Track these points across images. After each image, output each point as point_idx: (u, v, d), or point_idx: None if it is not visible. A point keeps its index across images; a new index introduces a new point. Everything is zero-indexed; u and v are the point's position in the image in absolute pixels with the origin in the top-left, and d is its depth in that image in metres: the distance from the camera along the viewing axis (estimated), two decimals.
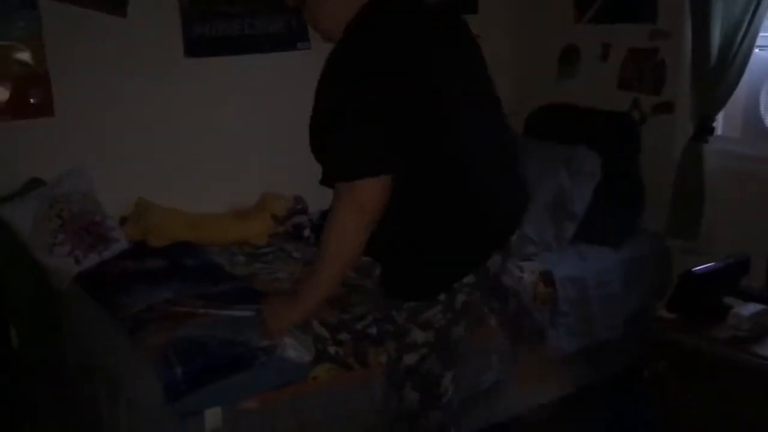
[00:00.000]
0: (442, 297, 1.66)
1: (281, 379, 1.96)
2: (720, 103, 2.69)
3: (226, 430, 1.91)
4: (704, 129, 2.72)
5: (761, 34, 2.60)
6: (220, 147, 2.96)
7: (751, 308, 2.07)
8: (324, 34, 1.77)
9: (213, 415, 1.87)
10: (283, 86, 3.06)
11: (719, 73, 2.63)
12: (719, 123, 2.80)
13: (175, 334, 1.94)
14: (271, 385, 1.95)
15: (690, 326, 2.15)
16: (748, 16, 2.53)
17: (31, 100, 2.55)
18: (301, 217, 2.91)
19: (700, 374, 2.12)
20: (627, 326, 2.67)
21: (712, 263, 2.23)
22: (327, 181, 1.66)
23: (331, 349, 2.05)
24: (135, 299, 2.18)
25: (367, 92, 1.54)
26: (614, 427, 2.57)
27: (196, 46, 2.84)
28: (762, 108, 2.74)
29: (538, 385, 2.56)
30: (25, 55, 2.52)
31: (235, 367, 1.89)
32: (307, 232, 2.86)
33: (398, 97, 1.54)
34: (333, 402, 2.05)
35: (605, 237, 2.70)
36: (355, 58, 1.59)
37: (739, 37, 2.56)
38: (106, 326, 2.18)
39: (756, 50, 2.63)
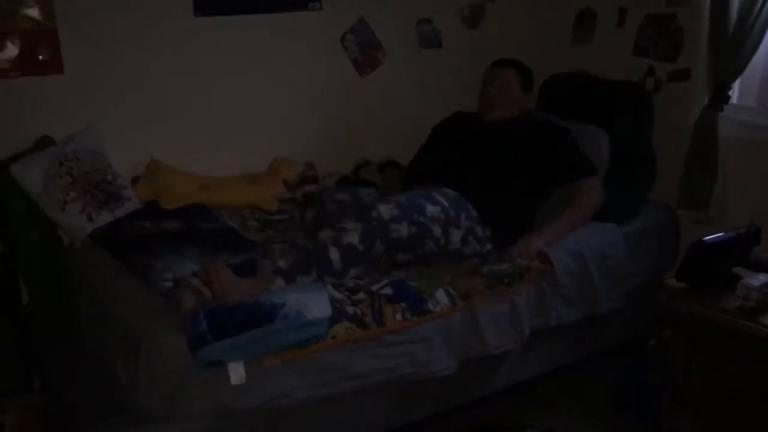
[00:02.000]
0: None
1: (302, 336, 1.99)
2: (737, 72, 2.65)
3: (250, 388, 1.93)
4: (720, 97, 2.68)
5: None
6: (230, 108, 2.95)
7: (761, 279, 2.06)
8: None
9: (236, 369, 1.90)
10: (294, 47, 3.04)
11: (737, 41, 2.58)
12: (735, 92, 2.77)
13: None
14: (292, 342, 1.97)
15: (699, 296, 2.15)
16: None
17: (40, 57, 2.54)
18: (311, 187, 2.89)
19: (707, 344, 2.12)
20: (633, 297, 2.67)
21: (723, 233, 2.22)
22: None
23: (350, 309, 2.08)
24: (160, 261, 2.21)
25: None
26: (619, 394, 2.59)
27: (205, 5, 2.80)
28: None
29: (541, 354, 2.57)
30: (33, 12, 2.50)
31: (257, 320, 1.93)
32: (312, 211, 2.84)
33: None
34: (351, 361, 2.08)
35: (612, 214, 2.69)
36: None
37: (758, 5, 2.51)
38: (126, 282, 2.21)
39: None
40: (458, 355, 2.25)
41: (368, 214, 2.26)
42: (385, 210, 2.27)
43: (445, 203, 2.38)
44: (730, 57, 2.62)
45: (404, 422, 2.34)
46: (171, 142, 2.81)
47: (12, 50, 2.49)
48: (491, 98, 2.81)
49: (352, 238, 2.20)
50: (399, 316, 2.13)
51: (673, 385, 2.24)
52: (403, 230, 2.25)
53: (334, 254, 2.18)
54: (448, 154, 2.79)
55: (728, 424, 2.11)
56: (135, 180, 2.71)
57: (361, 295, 2.13)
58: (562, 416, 2.55)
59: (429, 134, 2.98)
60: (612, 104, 2.95)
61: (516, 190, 2.60)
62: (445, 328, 2.21)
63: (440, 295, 2.23)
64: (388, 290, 2.17)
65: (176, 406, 1.90)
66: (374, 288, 2.17)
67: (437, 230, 2.31)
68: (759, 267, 2.17)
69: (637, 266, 2.70)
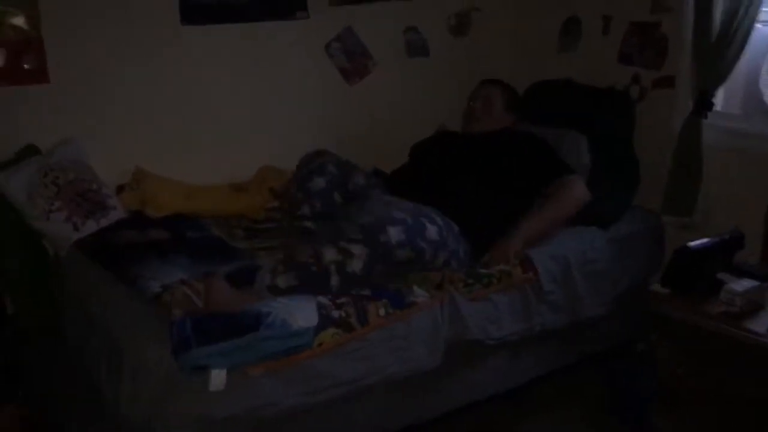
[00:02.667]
0: None
1: (287, 345, 1.98)
2: (720, 79, 2.67)
3: (234, 397, 1.92)
4: (703, 104, 2.70)
5: (763, 8, 2.57)
6: (217, 117, 2.95)
7: (745, 284, 2.07)
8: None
9: (217, 376, 1.89)
10: (281, 56, 3.04)
11: (720, 48, 2.60)
12: (719, 99, 2.78)
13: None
14: (277, 350, 1.97)
15: (683, 301, 2.15)
16: None
17: (26, 66, 2.53)
18: (297, 194, 2.87)
19: (692, 349, 2.13)
20: (620, 303, 2.68)
21: (707, 239, 2.24)
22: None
23: (335, 313, 2.08)
24: (147, 270, 2.20)
25: None
26: (605, 399, 2.59)
27: (192, 14, 2.80)
28: (762, 84, 2.72)
29: (529, 359, 2.57)
30: (19, 20, 2.50)
31: (242, 328, 1.93)
32: (305, 209, 2.83)
33: None
34: (338, 366, 2.08)
35: (595, 219, 2.70)
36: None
37: (741, 12, 2.53)
38: (111, 292, 2.20)
39: (758, 25, 2.60)
40: (442, 346, 2.25)
41: (377, 238, 2.18)
42: (393, 234, 2.19)
43: (440, 222, 2.34)
44: (713, 64, 2.64)
45: (396, 429, 2.33)
46: (157, 150, 2.81)
47: None
48: (473, 112, 2.91)
49: (356, 266, 2.15)
50: (382, 311, 2.15)
51: (662, 389, 2.25)
52: (404, 255, 2.22)
53: (334, 281, 2.15)
54: (428, 168, 2.79)
55: (716, 427, 2.11)
56: (120, 189, 2.70)
57: (343, 299, 2.13)
58: (557, 421, 2.56)
59: (409, 152, 2.98)
60: (593, 111, 2.98)
61: (496, 199, 2.59)
62: (428, 320, 2.22)
63: (417, 290, 2.24)
64: (367, 292, 2.18)
65: (160, 416, 1.89)
66: (354, 291, 2.17)
67: (429, 254, 2.27)
68: (742, 272, 2.18)
69: (622, 272, 2.71)
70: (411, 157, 2.97)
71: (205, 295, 2.03)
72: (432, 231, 2.29)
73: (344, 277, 2.15)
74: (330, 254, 2.16)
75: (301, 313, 2.03)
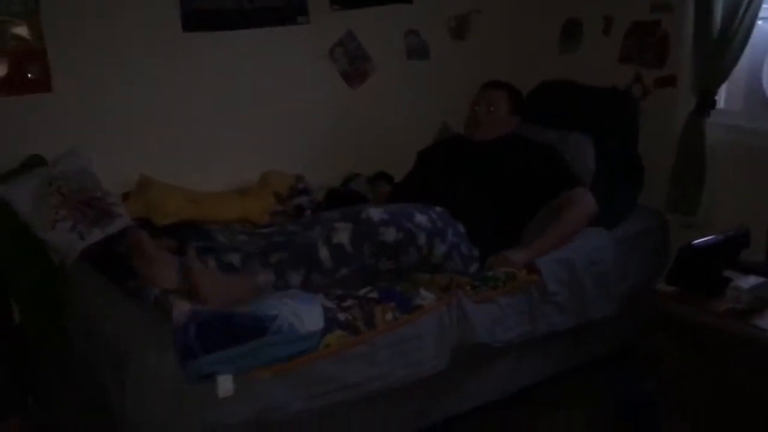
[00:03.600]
0: None
1: (294, 350, 1.98)
2: (722, 77, 2.68)
3: (242, 402, 1.92)
4: (706, 102, 2.71)
5: (765, 5, 2.58)
6: (220, 123, 2.95)
7: (751, 281, 2.07)
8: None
9: (224, 382, 1.89)
10: (283, 61, 3.05)
11: (721, 46, 2.61)
12: (721, 96, 2.79)
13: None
14: (284, 354, 1.97)
15: (689, 299, 2.15)
16: None
17: (29, 76, 2.54)
18: (302, 199, 2.90)
19: (699, 347, 2.12)
20: (625, 303, 2.68)
21: (712, 236, 2.23)
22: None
23: (341, 316, 2.08)
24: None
25: None
26: (612, 401, 2.59)
27: (194, 21, 2.81)
28: (764, 81, 2.72)
29: (535, 361, 2.57)
30: (22, 31, 2.51)
31: (248, 334, 1.92)
32: (308, 214, 2.85)
33: None
34: (344, 369, 2.08)
35: (600, 219, 2.70)
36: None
37: (741, 10, 2.54)
38: (116, 301, 2.20)
39: (759, 23, 2.61)
40: (449, 350, 2.25)
41: (358, 217, 2.28)
42: (374, 213, 2.29)
43: (434, 216, 2.39)
44: (714, 63, 2.64)
45: None
46: (161, 157, 2.81)
47: (1, 70, 2.49)
48: (477, 118, 2.87)
49: (342, 237, 2.22)
50: (389, 316, 2.15)
51: (670, 389, 2.24)
52: (390, 234, 2.26)
53: (323, 253, 2.19)
54: (435, 174, 2.80)
55: (725, 426, 2.11)
56: (125, 196, 2.71)
57: (350, 302, 2.13)
58: (563, 424, 2.56)
59: (415, 160, 2.99)
60: (597, 111, 2.98)
61: (501, 208, 2.60)
62: (434, 323, 2.22)
63: (424, 293, 2.25)
64: (374, 294, 2.19)
65: (167, 423, 1.89)
66: (361, 293, 2.18)
67: (422, 238, 2.32)
68: (749, 269, 2.18)
69: (628, 271, 2.71)
70: (417, 162, 2.98)
71: (197, 288, 2.02)
72: (421, 218, 2.33)
73: (334, 251, 2.19)
74: (315, 231, 2.25)
75: (307, 315, 2.02)
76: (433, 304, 2.23)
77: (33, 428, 2.31)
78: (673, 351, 2.21)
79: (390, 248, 2.28)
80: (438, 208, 2.46)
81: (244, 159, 3.00)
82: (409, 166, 2.99)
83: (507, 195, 2.63)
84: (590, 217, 2.63)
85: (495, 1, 3.47)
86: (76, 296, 2.41)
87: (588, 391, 2.69)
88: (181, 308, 1.93)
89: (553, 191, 2.65)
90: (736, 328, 2.01)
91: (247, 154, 3.01)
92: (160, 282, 2.06)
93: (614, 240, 2.68)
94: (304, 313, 2.03)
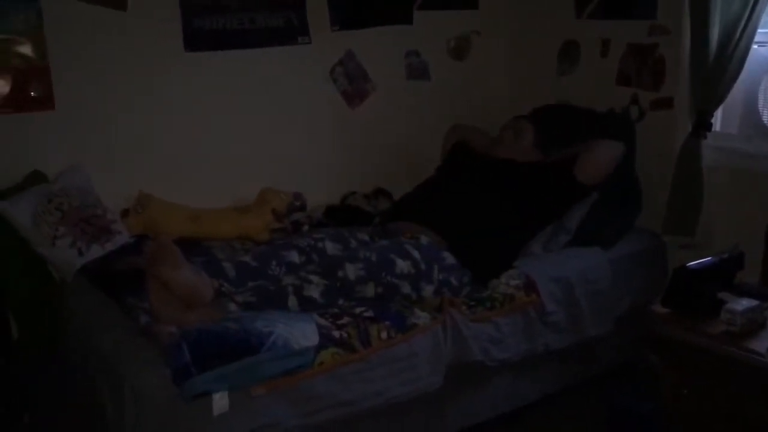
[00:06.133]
0: None
1: (288, 366, 1.99)
2: (718, 99, 2.70)
3: (234, 417, 1.92)
4: (702, 125, 2.72)
5: (760, 30, 2.60)
6: (220, 141, 2.98)
7: (745, 303, 2.07)
8: None
9: (220, 399, 1.89)
10: (283, 81, 3.08)
11: (718, 69, 2.63)
12: (717, 119, 2.81)
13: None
14: (278, 371, 1.97)
15: (684, 321, 2.15)
16: (747, 12, 2.52)
17: (32, 94, 2.58)
18: (299, 215, 2.92)
19: (694, 369, 2.13)
20: (621, 322, 2.68)
21: (707, 258, 2.24)
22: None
23: (335, 333, 2.09)
24: (141, 301, 2.18)
25: None
26: (609, 420, 2.59)
27: (196, 40, 2.85)
28: (760, 104, 2.75)
29: (531, 380, 2.57)
30: (26, 49, 2.54)
31: (242, 351, 1.93)
32: (305, 229, 2.87)
33: None
34: (338, 386, 2.08)
35: (598, 241, 2.71)
36: None
37: (737, 33, 2.56)
38: (113, 318, 2.21)
39: (754, 46, 2.64)
40: (444, 368, 2.25)
41: (334, 273, 2.26)
42: (351, 270, 2.26)
43: (417, 256, 2.37)
44: (711, 86, 2.66)
45: None
46: (161, 175, 2.84)
47: (4, 87, 2.52)
48: (503, 138, 3.03)
49: (313, 291, 2.22)
50: (384, 335, 2.15)
51: (662, 410, 2.24)
52: (369, 291, 2.27)
53: (292, 302, 2.19)
54: (442, 187, 2.83)
55: None
56: (124, 213, 2.73)
57: (345, 319, 2.14)
58: None
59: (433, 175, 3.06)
60: (594, 133, 2.99)
61: (506, 224, 2.62)
62: (429, 342, 2.22)
63: (419, 312, 2.26)
64: (370, 313, 2.19)
65: None
66: (357, 312, 2.19)
67: (406, 287, 2.33)
68: (743, 291, 2.19)
69: (624, 291, 2.72)
70: (437, 174, 3.04)
71: (153, 256, 2.05)
72: (403, 264, 2.32)
73: (302, 300, 2.19)
74: (289, 278, 2.24)
75: (302, 332, 2.03)
76: (428, 323, 2.24)
77: None
78: (667, 372, 2.21)
79: (371, 300, 2.28)
80: (424, 240, 2.44)
81: (243, 176, 3.02)
82: (408, 185, 3.01)
83: (515, 211, 2.65)
84: (616, 151, 2.83)
85: (494, 23, 3.51)
86: (74, 314, 2.42)
87: (584, 410, 2.69)
88: (169, 329, 1.94)
89: (566, 202, 2.77)
90: (729, 351, 2.01)
91: (246, 171, 3.03)
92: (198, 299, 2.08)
93: (611, 260, 2.69)
94: (298, 330, 2.03)
